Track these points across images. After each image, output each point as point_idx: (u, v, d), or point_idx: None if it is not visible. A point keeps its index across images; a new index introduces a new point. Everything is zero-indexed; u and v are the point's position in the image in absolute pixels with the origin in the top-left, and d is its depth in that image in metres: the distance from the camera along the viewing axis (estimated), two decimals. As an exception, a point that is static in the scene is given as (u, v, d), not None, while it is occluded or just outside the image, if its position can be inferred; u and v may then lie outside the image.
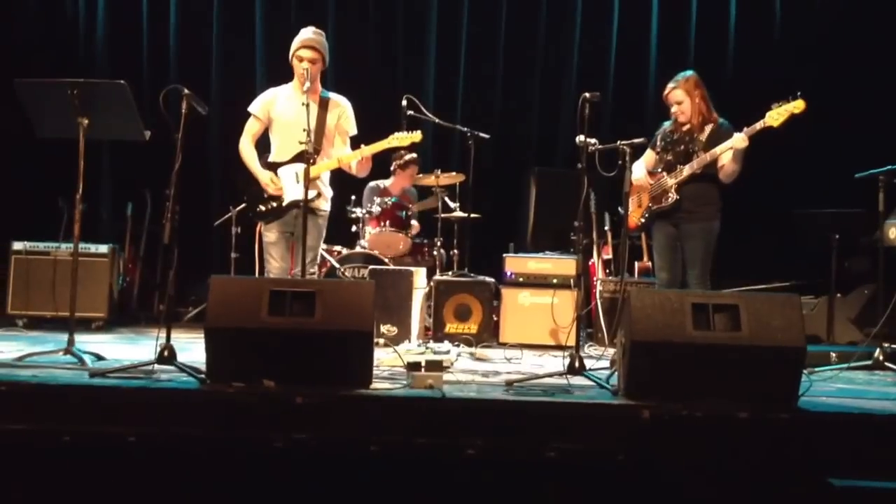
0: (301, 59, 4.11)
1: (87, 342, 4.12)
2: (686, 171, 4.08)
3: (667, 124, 4.26)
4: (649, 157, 4.31)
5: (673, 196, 4.10)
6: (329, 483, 2.80)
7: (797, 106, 3.82)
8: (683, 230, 4.14)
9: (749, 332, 3.03)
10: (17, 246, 5.35)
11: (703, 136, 4.09)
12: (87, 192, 3.70)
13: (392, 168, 5.82)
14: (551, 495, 2.79)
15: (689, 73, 4.16)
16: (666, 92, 4.15)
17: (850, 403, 3.18)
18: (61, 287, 5.02)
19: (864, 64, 6.38)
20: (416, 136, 4.35)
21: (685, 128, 4.14)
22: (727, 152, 3.97)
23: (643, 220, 4.27)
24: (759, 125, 3.88)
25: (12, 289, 5.30)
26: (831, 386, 3.65)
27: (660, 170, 4.21)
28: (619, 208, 4.43)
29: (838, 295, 5.49)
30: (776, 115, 3.83)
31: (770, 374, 3.03)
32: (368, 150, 4.26)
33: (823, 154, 6.20)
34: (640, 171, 4.27)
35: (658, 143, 4.25)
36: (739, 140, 3.90)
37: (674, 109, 4.14)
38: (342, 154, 4.32)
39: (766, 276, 5.79)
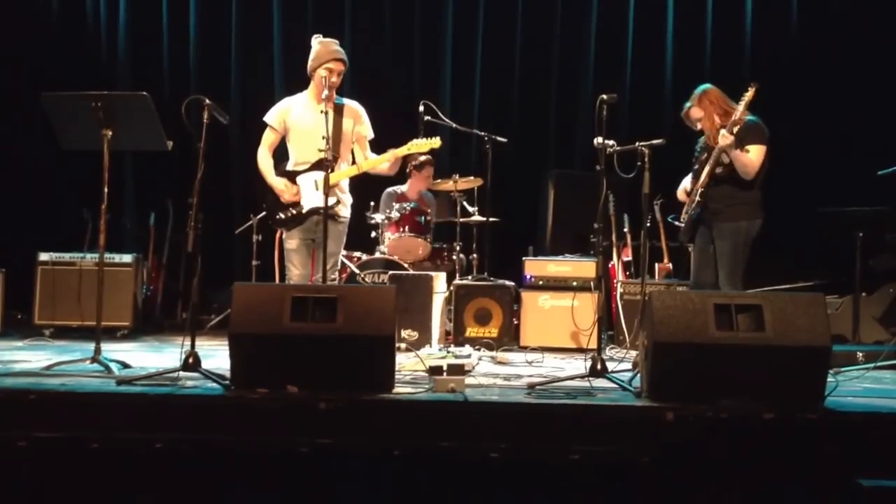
0: (331, 72, 4.16)
1: (113, 350, 4.17)
2: (704, 173, 4.09)
3: (703, 138, 4.29)
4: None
5: (697, 199, 4.13)
6: (353, 487, 2.82)
7: (748, 95, 3.93)
8: (714, 231, 4.16)
9: (773, 332, 3.00)
10: (43, 257, 5.43)
11: None
12: (111, 202, 3.74)
13: (408, 170, 5.84)
14: (575, 498, 2.78)
15: (704, 87, 4.19)
16: (683, 113, 4.21)
17: (878, 403, 3.14)
18: (87, 297, 5.09)
19: (887, 60, 6.31)
20: (435, 141, 4.39)
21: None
22: (730, 152, 3.99)
23: (686, 226, 4.31)
24: (730, 121, 3.97)
25: (39, 299, 5.38)
26: (858, 386, 3.62)
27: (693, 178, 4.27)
28: (670, 218, 4.53)
29: (863, 294, 5.42)
30: (738, 109, 3.94)
31: (795, 375, 3.00)
32: (387, 157, 4.29)
33: (847, 152, 6.14)
34: (685, 181, 4.32)
35: (695, 153, 4.30)
36: (722, 137, 3.94)
37: (698, 127, 4.18)
38: (363, 161, 4.36)
39: (791, 275, 5.74)
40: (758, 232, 4.12)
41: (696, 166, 4.22)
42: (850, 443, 2.83)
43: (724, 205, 4.11)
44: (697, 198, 4.12)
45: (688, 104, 4.20)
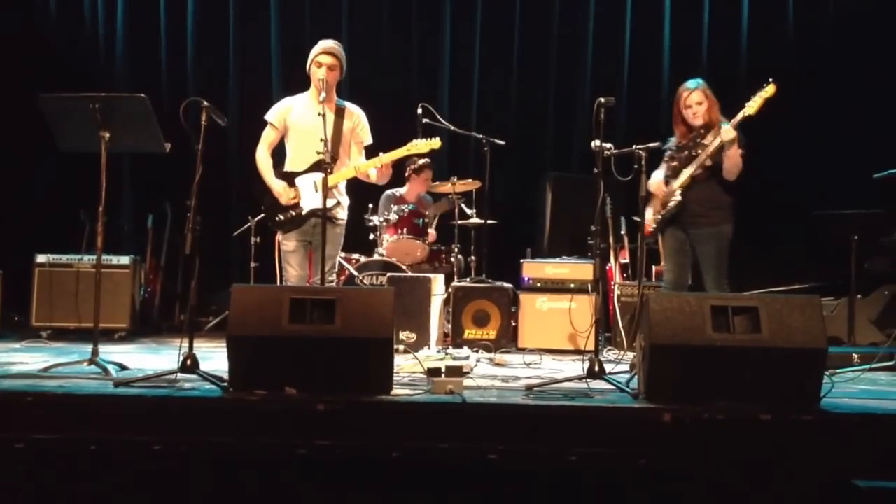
0: (320, 65, 4.15)
1: (111, 352, 4.17)
2: (686, 173, 4.09)
3: (672, 139, 4.28)
4: (664, 167, 4.33)
5: (676, 199, 4.11)
6: (352, 489, 2.82)
7: (768, 91, 3.91)
8: (693, 235, 4.14)
9: (769, 334, 3.02)
10: (41, 259, 5.42)
11: (709, 141, 4.08)
12: (109, 204, 3.75)
13: (406, 174, 5.86)
14: (573, 499, 2.79)
15: (702, 81, 4.18)
16: (686, 95, 4.13)
17: (874, 405, 3.16)
18: (84, 298, 5.10)
19: (883, 63, 6.34)
20: (435, 142, 4.39)
21: (693, 134, 4.15)
22: (728, 149, 3.97)
23: (654, 226, 4.28)
24: (739, 116, 3.95)
25: (36, 301, 5.37)
26: (853, 387, 3.63)
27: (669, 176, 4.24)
28: (634, 217, 4.45)
29: (858, 296, 5.45)
30: (752, 104, 3.91)
31: (791, 376, 3.02)
32: (387, 158, 4.29)
33: (842, 155, 6.17)
34: (655, 178, 4.28)
35: (667, 153, 4.27)
36: (725, 131, 3.93)
37: (693, 111, 4.12)
38: (359, 163, 4.35)
39: (786, 278, 5.76)
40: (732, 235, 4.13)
41: (676, 163, 4.18)
42: (846, 444, 2.84)
43: (704, 208, 4.10)
44: (678, 198, 4.12)
45: (692, 85, 4.12)
